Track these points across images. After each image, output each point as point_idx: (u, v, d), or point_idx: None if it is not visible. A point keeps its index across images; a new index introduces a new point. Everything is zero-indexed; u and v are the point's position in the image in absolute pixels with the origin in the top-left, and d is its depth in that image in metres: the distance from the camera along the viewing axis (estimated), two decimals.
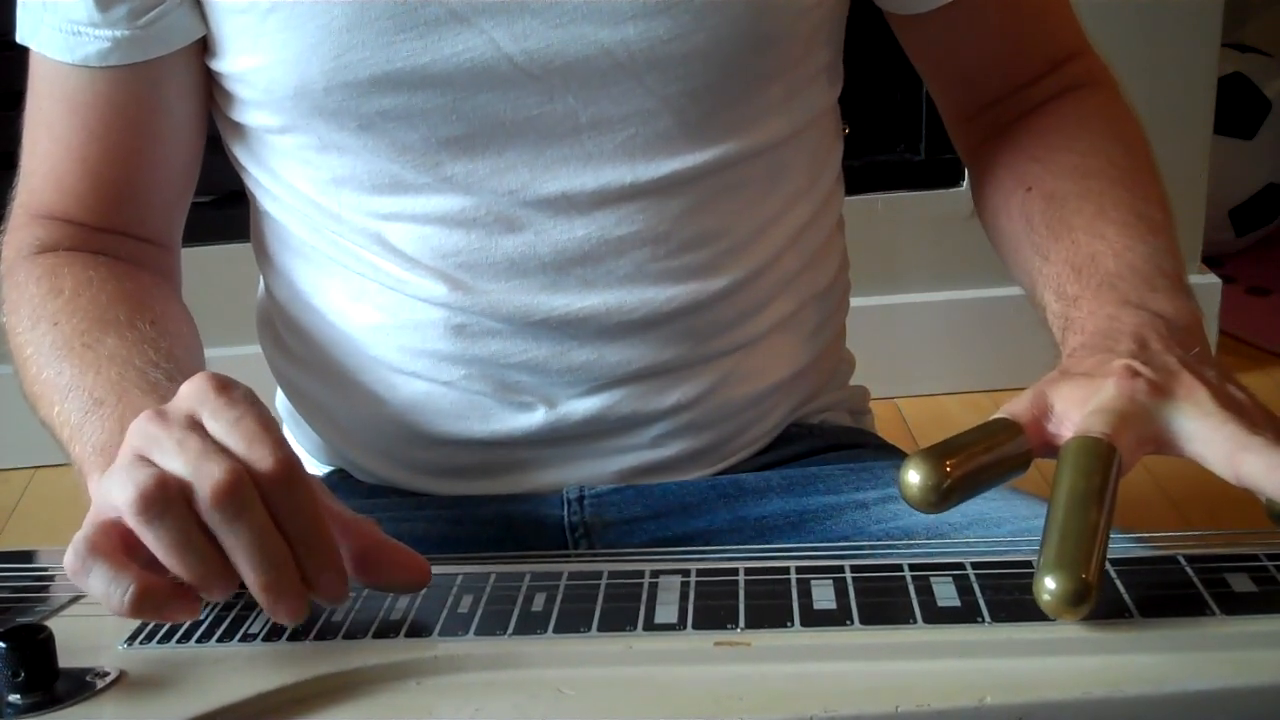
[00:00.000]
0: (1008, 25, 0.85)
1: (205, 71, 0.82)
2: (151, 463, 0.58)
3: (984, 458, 0.61)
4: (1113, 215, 0.76)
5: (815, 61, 0.82)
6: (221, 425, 0.58)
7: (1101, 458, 0.59)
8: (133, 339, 0.75)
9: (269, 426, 0.58)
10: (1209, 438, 0.60)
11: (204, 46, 0.80)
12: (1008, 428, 0.62)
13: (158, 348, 0.75)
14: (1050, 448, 0.62)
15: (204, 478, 0.56)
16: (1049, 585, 0.55)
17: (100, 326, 0.76)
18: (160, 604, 0.57)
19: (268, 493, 0.57)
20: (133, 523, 0.56)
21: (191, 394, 0.60)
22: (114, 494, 0.57)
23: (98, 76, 0.80)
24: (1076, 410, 0.62)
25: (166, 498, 0.56)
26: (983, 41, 0.85)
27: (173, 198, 0.86)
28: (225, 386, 0.60)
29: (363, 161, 0.78)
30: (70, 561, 0.57)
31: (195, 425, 0.59)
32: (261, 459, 0.57)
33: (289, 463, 0.57)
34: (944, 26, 0.84)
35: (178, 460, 0.57)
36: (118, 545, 0.57)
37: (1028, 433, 0.62)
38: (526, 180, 0.78)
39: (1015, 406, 0.63)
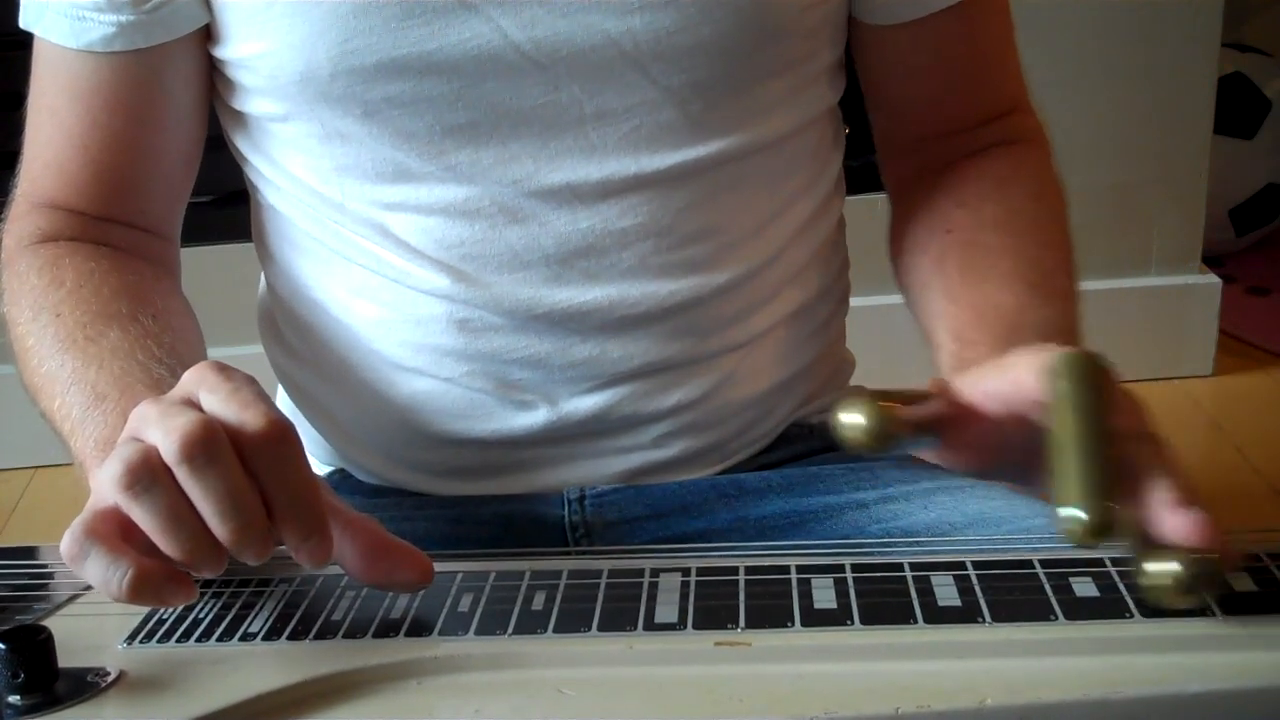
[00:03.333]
0: (963, 62, 0.85)
1: (208, 60, 0.82)
2: (140, 440, 0.58)
3: (915, 406, 0.62)
4: (1026, 274, 0.77)
5: (818, 61, 0.82)
6: (216, 398, 0.58)
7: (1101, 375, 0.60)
8: (136, 333, 0.75)
9: (263, 397, 0.58)
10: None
11: (208, 34, 0.80)
12: (924, 393, 0.63)
13: (160, 342, 0.75)
14: (960, 418, 0.63)
15: (171, 430, 0.56)
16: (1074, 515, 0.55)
17: (103, 319, 0.76)
18: (157, 587, 0.56)
19: (252, 451, 0.56)
20: (120, 499, 0.56)
21: (190, 378, 0.60)
22: (103, 475, 0.57)
23: (102, 62, 0.80)
24: (989, 376, 0.63)
25: (151, 471, 0.56)
26: (936, 72, 0.85)
27: (173, 188, 0.86)
28: (224, 369, 0.60)
29: (367, 150, 0.78)
30: (67, 547, 0.57)
31: (188, 403, 0.59)
32: (250, 420, 0.57)
33: (278, 424, 0.57)
34: (904, 47, 0.84)
35: (159, 430, 0.57)
36: (114, 530, 0.57)
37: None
38: (531, 171, 0.78)
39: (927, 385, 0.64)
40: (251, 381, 0.59)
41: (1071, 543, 0.56)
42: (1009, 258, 0.79)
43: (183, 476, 0.56)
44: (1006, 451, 0.63)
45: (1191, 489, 0.58)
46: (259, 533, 0.56)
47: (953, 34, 0.83)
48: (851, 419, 0.60)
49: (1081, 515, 0.55)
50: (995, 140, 0.87)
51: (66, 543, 0.57)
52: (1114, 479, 0.56)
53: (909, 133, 0.88)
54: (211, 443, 0.56)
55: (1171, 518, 0.56)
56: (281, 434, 0.57)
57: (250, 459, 0.56)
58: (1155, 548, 0.57)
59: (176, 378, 0.62)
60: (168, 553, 0.57)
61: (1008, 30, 0.87)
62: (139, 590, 0.56)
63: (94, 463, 0.68)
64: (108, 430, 0.69)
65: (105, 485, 0.57)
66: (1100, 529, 0.55)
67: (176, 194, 0.86)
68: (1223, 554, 0.56)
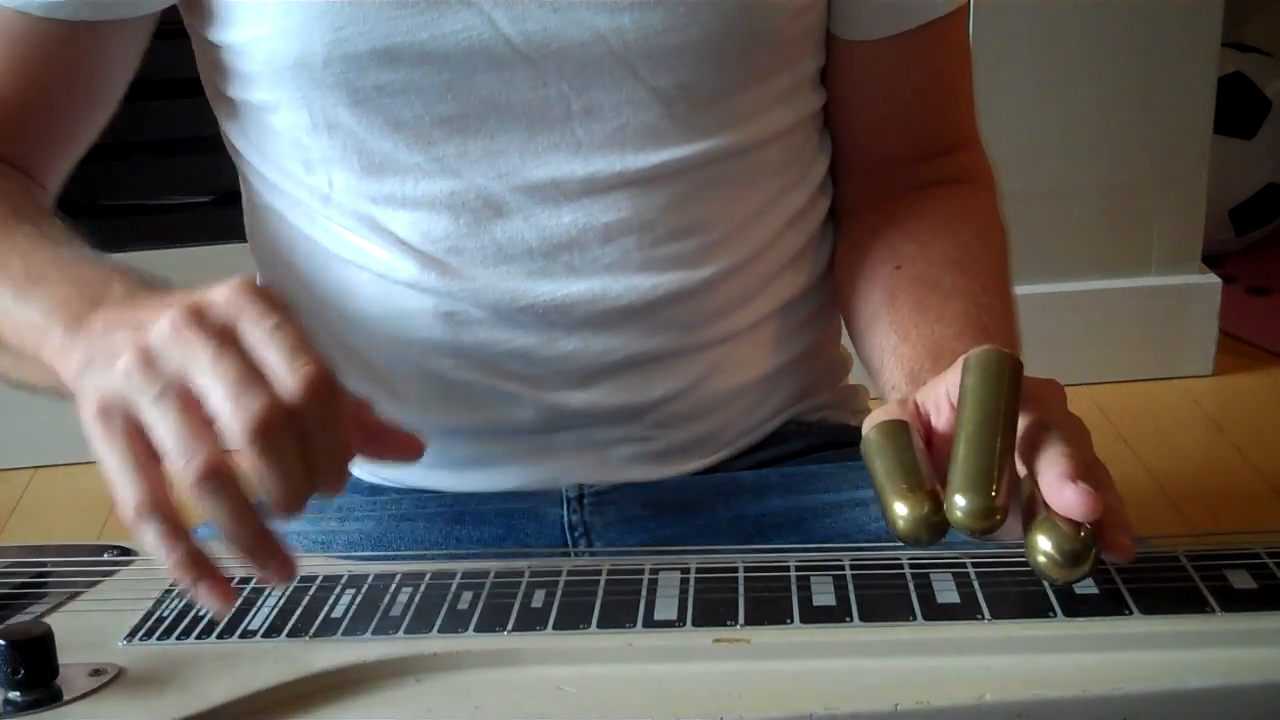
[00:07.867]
0: (922, 89, 0.86)
1: (148, 40, 0.81)
2: (188, 391, 0.57)
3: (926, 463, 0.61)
4: (979, 319, 0.78)
5: (803, 67, 0.83)
6: (260, 334, 0.58)
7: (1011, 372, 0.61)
8: (47, 229, 0.74)
9: (304, 338, 0.58)
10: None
11: (160, 18, 0.80)
12: (903, 428, 0.63)
13: (76, 238, 0.74)
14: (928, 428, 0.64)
15: (241, 410, 0.55)
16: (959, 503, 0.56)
17: (15, 218, 0.75)
18: (195, 580, 0.57)
19: (302, 410, 0.56)
20: (191, 491, 0.56)
21: (228, 301, 0.59)
22: (165, 440, 0.56)
23: (36, 21, 0.79)
24: (940, 384, 0.64)
25: (220, 475, 0.55)
26: (896, 95, 0.86)
27: (69, 144, 0.85)
28: (264, 293, 0.59)
29: (355, 141, 0.79)
30: (127, 512, 0.57)
31: (231, 340, 0.57)
32: (298, 373, 0.56)
33: (324, 379, 0.57)
34: (870, 66, 0.84)
35: (217, 386, 0.56)
36: (171, 498, 0.57)
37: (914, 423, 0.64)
38: (516, 165, 0.78)
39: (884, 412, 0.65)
40: (289, 312, 0.59)
41: (957, 530, 0.57)
42: (959, 299, 0.79)
43: (246, 448, 0.56)
44: None
45: (1087, 466, 0.58)
46: (301, 502, 0.57)
47: (916, 60, 0.85)
48: (916, 514, 0.58)
49: (962, 502, 0.56)
50: (945, 176, 0.88)
51: (130, 504, 0.57)
52: (1000, 468, 0.57)
53: (864, 156, 0.89)
54: (276, 430, 0.55)
55: (1060, 491, 0.57)
56: (327, 389, 0.57)
57: (299, 417, 0.56)
58: (1045, 522, 0.57)
59: (114, 265, 0.61)
60: (233, 545, 0.57)
61: (967, 67, 0.88)
62: (181, 573, 0.57)
63: (53, 325, 0.65)
64: (62, 295, 0.66)
65: (174, 466, 0.56)
66: (979, 515, 0.56)
67: (67, 152, 0.85)
68: (1106, 533, 0.57)
